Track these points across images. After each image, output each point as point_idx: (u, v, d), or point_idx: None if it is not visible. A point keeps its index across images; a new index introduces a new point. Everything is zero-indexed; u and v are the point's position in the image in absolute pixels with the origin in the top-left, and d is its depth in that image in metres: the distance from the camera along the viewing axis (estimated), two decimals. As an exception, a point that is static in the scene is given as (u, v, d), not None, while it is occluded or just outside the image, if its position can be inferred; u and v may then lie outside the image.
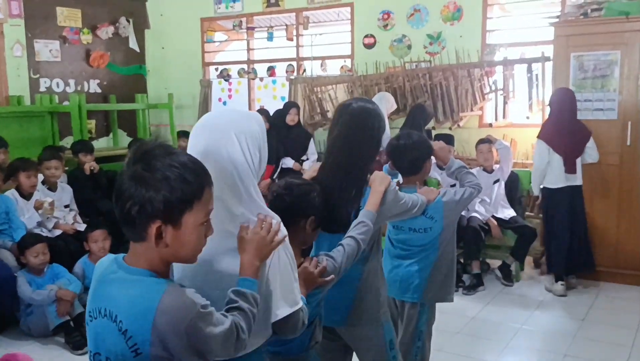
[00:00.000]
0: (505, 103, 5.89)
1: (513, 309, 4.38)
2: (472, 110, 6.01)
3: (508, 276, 4.90)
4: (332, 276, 1.89)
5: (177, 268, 1.56)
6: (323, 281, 1.87)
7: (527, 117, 5.74)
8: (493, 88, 5.95)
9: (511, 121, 5.95)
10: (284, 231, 1.57)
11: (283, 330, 1.61)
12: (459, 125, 6.05)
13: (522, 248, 4.87)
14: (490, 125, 6.03)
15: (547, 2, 5.85)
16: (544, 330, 4.03)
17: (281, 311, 1.57)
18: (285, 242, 1.59)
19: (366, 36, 6.69)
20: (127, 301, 1.30)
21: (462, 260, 5.04)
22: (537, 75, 5.64)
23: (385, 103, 5.68)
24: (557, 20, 5.05)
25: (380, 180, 2.19)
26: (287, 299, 1.59)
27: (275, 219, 1.57)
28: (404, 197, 2.31)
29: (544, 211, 4.91)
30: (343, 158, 2.23)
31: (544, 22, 5.32)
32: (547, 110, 4.96)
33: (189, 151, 1.53)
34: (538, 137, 4.76)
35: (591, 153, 4.67)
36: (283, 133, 5.73)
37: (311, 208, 1.97)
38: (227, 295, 1.43)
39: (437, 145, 2.73)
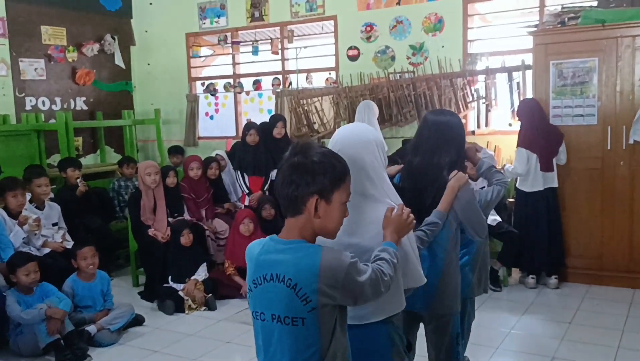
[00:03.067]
0: (487, 111, 5.99)
1: (501, 314, 4.44)
2: (456, 118, 6.08)
3: (496, 282, 4.95)
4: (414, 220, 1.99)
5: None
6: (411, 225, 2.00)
7: (510, 124, 5.84)
8: (475, 96, 6.05)
9: (494, 128, 6.05)
10: (413, 219, 1.91)
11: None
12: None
13: (508, 254, 4.94)
14: (474, 132, 6.12)
15: (525, 12, 5.96)
16: (532, 334, 4.08)
17: (424, 278, 2.01)
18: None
19: (350, 48, 6.77)
20: (293, 263, 1.63)
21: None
22: (518, 83, 5.74)
23: (372, 110, 5.76)
24: (535, 29, 5.15)
25: (455, 181, 2.43)
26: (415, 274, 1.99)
27: (407, 209, 1.90)
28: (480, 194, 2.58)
29: (516, 212, 5.07)
30: (428, 162, 2.51)
31: (523, 31, 5.43)
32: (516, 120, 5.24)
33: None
34: (518, 145, 4.91)
35: (561, 156, 4.92)
36: (270, 146, 5.77)
37: None
38: (374, 253, 1.79)
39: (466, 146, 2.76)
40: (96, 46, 7.59)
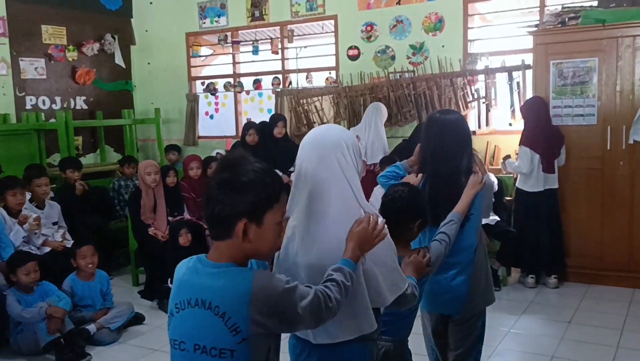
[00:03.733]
0: (487, 110, 5.99)
1: (501, 313, 4.43)
2: (456, 118, 6.08)
3: (495, 281, 4.95)
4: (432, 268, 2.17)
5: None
6: (429, 270, 2.12)
7: (510, 124, 5.84)
8: (476, 96, 6.05)
9: (494, 128, 6.05)
10: (386, 230, 1.74)
11: (399, 306, 1.86)
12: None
13: (507, 253, 4.95)
14: (474, 132, 6.11)
15: (526, 12, 5.96)
16: (531, 333, 4.08)
17: (388, 299, 1.78)
18: (387, 238, 1.75)
19: (350, 48, 6.77)
20: (221, 289, 1.48)
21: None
22: (518, 82, 5.74)
23: (380, 113, 5.77)
24: (535, 29, 5.15)
25: (472, 184, 2.44)
26: (390, 290, 1.79)
27: (381, 218, 1.73)
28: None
29: (516, 212, 5.08)
30: (445, 165, 2.52)
31: (524, 31, 5.43)
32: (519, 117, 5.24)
33: (300, 162, 1.79)
34: (520, 143, 4.90)
35: (561, 157, 4.94)
36: (270, 146, 5.77)
37: (419, 212, 2.23)
38: (327, 272, 1.62)
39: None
40: (96, 45, 7.59)
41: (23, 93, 6.89)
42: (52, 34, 7.15)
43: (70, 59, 7.35)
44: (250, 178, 1.49)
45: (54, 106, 7.18)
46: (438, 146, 2.53)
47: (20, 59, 6.84)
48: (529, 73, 5.44)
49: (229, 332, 1.46)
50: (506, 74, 5.81)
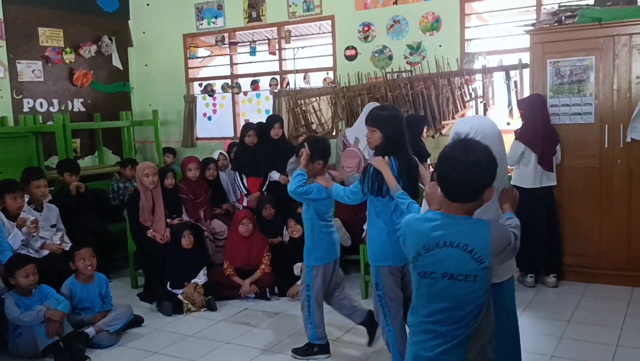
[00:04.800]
0: (485, 110, 5.99)
1: (500, 313, 4.44)
2: (453, 117, 6.10)
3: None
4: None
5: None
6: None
7: (508, 123, 5.84)
8: (473, 95, 6.05)
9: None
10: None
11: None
12: (441, 133, 6.14)
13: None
14: (472, 132, 6.12)
15: (522, 11, 5.97)
16: (531, 332, 4.07)
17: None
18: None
19: (347, 48, 6.77)
20: (468, 233, 2.02)
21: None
22: (515, 81, 5.75)
23: None
24: (532, 28, 5.15)
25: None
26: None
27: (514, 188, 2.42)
28: None
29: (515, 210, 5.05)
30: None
31: (520, 30, 5.43)
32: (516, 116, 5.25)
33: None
34: (516, 138, 4.91)
35: (557, 155, 4.94)
36: (268, 147, 5.76)
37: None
38: (505, 221, 2.22)
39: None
40: (93, 47, 7.59)
41: (20, 96, 6.88)
42: (49, 37, 7.15)
43: (67, 61, 7.35)
44: (491, 156, 2.01)
45: (51, 108, 7.18)
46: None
47: (18, 61, 6.83)
48: (526, 72, 5.45)
49: (475, 263, 1.99)
50: (503, 73, 5.82)
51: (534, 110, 4.89)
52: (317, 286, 3.62)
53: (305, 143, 3.48)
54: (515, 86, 5.75)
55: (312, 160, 3.45)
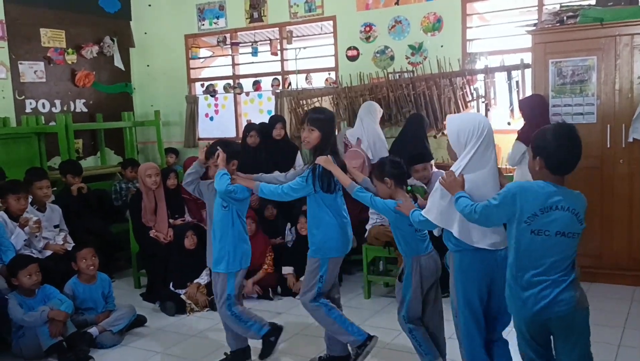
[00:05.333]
0: (487, 110, 6.00)
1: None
2: (455, 118, 6.10)
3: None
4: None
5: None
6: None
7: (509, 123, 5.85)
8: (475, 96, 6.06)
9: (493, 127, 6.03)
10: None
11: None
12: (443, 133, 6.14)
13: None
14: (474, 132, 6.12)
15: (524, 11, 5.98)
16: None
17: None
18: None
19: (349, 48, 6.78)
20: (573, 200, 2.48)
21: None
22: (517, 81, 5.75)
23: (374, 112, 5.75)
24: (534, 28, 5.16)
25: None
26: None
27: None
28: None
29: None
30: None
31: (522, 30, 5.44)
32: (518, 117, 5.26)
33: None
34: (517, 138, 4.92)
35: None
36: (270, 148, 5.77)
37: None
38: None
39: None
40: (95, 48, 7.61)
41: (23, 97, 6.90)
42: (51, 37, 7.16)
43: (69, 62, 7.36)
44: None
45: (53, 109, 7.19)
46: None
47: (20, 62, 6.84)
48: (528, 72, 5.45)
49: (578, 223, 2.46)
50: (505, 73, 5.82)
51: (534, 111, 4.90)
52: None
53: (219, 147, 3.50)
54: (517, 86, 5.75)
55: (227, 161, 3.49)
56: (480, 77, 6.03)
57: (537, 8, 5.80)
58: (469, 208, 2.55)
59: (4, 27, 6.57)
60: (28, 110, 6.93)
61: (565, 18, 4.97)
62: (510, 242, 2.52)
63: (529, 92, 5.40)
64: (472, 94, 6.08)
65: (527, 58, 5.46)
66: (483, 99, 6.00)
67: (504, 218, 2.51)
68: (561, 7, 5.24)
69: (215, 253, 3.53)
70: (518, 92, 5.70)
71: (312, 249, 3.42)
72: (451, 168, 2.76)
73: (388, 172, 3.17)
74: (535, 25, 5.25)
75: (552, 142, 2.49)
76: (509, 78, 5.78)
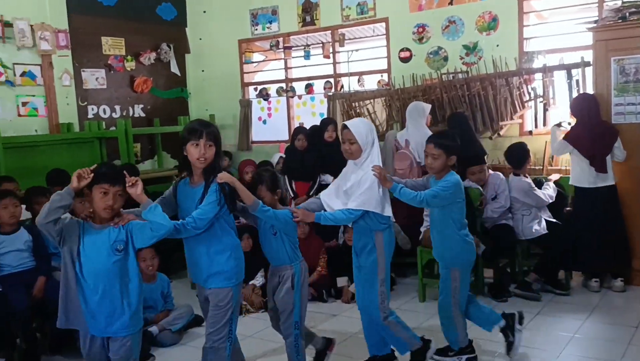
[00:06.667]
0: (545, 110, 5.84)
1: (564, 317, 4.32)
2: (512, 118, 5.98)
3: (558, 284, 4.82)
4: None
5: None
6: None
7: (569, 123, 5.66)
8: (532, 95, 5.91)
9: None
10: None
11: None
12: (499, 134, 6.03)
13: (567, 256, 4.80)
14: (531, 132, 5.98)
15: (584, 7, 5.80)
16: (597, 338, 3.95)
17: None
18: None
19: (402, 50, 6.74)
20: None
21: (508, 270, 5.07)
22: (577, 80, 5.57)
23: (419, 112, 5.67)
24: (595, 25, 5.00)
25: None
26: None
27: None
28: None
29: (574, 210, 4.99)
30: None
31: (582, 27, 5.27)
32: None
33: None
34: (564, 138, 4.89)
35: (617, 153, 4.79)
36: (321, 150, 5.78)
37: None
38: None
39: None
40: (153, 55, 7.82)
41: (85, 103, 7.16)
42: (112, 45, 7.42)
43: (128, 69, 7.60)
44: None
45: (113, 114, 7.44)
46: None
47: (82, 70, 7.11)
48: (589, 70, 5.29)
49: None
50: (564, 71, 5.65)
51: (582, 111, 4.81)
52: None
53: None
54: (577, 85, 5.57)
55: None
56: (538, 76, 5.88)
57: (597, 4, 5.61)
58: (420, 197, 3.30)
59: (68, 37, 6.84)
60: (90, 115, 7.19)
61: (627, 14, 4.79)
62: (457, 215, 3.41)
63: (590, 91, 5.23)
64: (529, 94, 5.94)
65: (588, 56, 5.30)
66: (541, 99, 5.85)
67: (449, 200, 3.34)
68: (623, 3, 5.05)
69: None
70: (578, 91, 5.52)
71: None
72: (373, 164, 3.27)
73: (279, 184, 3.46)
74: (596, 22, 5.09)
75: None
76: (569, 77, 5.60)
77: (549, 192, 4.87)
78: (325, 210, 3.39)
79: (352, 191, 3.30)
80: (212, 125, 3.10)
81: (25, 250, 4.18)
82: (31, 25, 6.45)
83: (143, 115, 7.82)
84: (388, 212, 3.29)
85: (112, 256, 2.73)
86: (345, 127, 3.37)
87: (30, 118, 6.56)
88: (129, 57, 7.59)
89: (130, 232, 2.78)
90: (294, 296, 3.32)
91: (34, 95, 6.58)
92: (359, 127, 3.31)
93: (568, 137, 4.86)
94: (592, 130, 4.74)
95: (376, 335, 3.52)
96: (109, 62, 7.38)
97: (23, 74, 6.47)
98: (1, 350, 3.87)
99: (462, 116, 5.70)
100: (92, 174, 2.69)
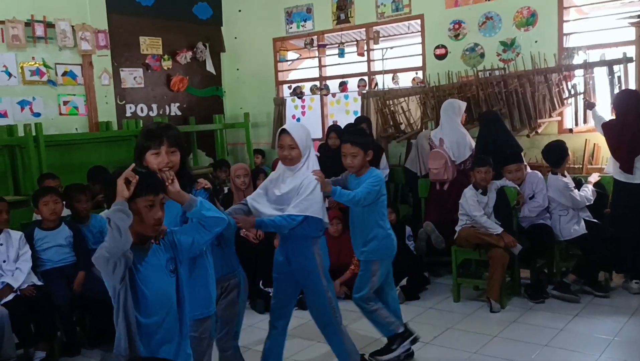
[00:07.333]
0: (585, 107, 5.70)
1: (604, 320, 4.21)
2: (550, 116, 5.86)
3: (597, 285, 4.71)
4: None
5: None
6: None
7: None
8: (572, 92, 5.78)
9: (593, 125, 5.73)
10: None
11: None
12: (537, 132, 5.91)
13: (607, 257, 4.67)
14: (571, 130, 5.84)
15: (626, 2, 5.63)
16: (637, 341, 3.84)
17: None
18: None
19: (437, 47, 6.67)
20: None
21: (546, 270, 4.98)
22: (619, 77, 5.42)
23: (455, 110, 5.59)
24: (638, 19, 4.86)
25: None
26: None
27: None
28: None
29: (614, 207, 4.85)
30: None
31: (624, 22, 5.13)
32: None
33: None
34: (602, 125, 4.81)
35: None
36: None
37: None
38: None
39: None
40: (189, 54, 7.93)
41: (123, 102, 7.30)
42: (149, 45, 7.54)
43: (165, 68, 7.72)
44: None
45: (150, 113, 7.57)
46: None
47: (121, 69, 7.26)
48: (631, 67, 5.14)
49: None
50: (606, 68, 5.50)
51: (621, 106, 4.70)
52: None
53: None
54: (619, 82, 5.42)
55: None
56: (579, 72, 5.74)
57: (640, -2, 5.45)
58: (357, 197, 3.37)
59: (107, 37, 6.98)
60: (128, 114, 7.33)
61: (673, 8, 4.65)
62: (382, 209, 3.52)
63: (632, 87, 5.09)
64: (569, 91, 5.80)
65: (630, 51, 5.15)
66: (582, 96, 5.71)
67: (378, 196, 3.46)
68: (668, -4, 4.91)
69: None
70: (620, 87, 5.38)
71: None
72: (311, 169, 3.15)
73: None
74: (639, 16, 4.94)
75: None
76: (611, 73, 5.46)
77: (586, 194, 4.74)
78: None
79: (289, 197, 3.11)
80: (172, 127, 2.55)
81: (66, 245, 4.31)
82: (72, 26, 6.61)
83: (179, 113, 7.94)
84: (326, 218, 3.20)
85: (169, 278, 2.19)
86: (284, 131, 3.11)
87: (70, 117, 6.73)
88: (165, 56, 7.70)
89: (178, 242, 2.24)
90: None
91: (74, 95, 6.75)
92: (300, 132, 3.13)
93: (604, 125, 4.77)
94: (622, 127, 4.60)
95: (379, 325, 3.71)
96: (146, 61, 7.51)
97: (64, 74, 6.64)
98: (43, 342, 3.98)
99: (494, 114, 5.61)
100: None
